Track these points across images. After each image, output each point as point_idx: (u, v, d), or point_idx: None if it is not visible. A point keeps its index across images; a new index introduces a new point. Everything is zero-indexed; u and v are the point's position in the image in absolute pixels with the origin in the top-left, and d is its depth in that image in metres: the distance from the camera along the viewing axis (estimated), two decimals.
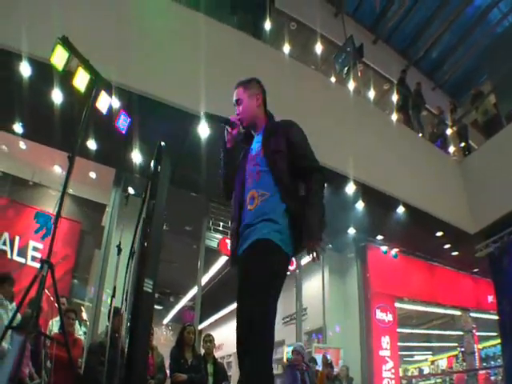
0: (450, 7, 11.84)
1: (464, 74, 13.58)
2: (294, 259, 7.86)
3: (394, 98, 10.95)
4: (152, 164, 4.22)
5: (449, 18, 12.11)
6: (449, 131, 10.80)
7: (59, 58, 4.19)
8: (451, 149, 10.44)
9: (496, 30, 12.17)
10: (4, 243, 8.06)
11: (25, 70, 5.31)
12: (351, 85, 9.19)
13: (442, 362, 11.49)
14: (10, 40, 5.19)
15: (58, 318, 6.28)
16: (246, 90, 2.53)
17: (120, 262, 5.75)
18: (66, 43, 4.10)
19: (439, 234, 8.85)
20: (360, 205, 7.75)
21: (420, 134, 10.05)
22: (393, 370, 8.90)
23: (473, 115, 10.99)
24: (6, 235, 8.06)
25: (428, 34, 12.74)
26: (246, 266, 2.15)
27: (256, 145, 2.45)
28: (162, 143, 4.11)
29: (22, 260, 8.11)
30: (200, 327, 12.47)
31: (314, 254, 2.12)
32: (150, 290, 3.74)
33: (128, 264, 5.92)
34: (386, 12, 12.18)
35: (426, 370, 11.11)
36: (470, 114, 11.13)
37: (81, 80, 4.25)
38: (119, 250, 5.88)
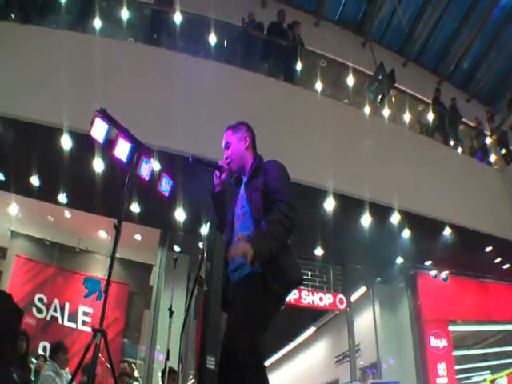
0: (476, 13, 11.71)
1: (497, 79, 13.28)
2: (343, 297, 7.49)
3: (430, 117, 10.66)
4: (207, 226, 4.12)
5: (476, 24, 11.94)
6: (488, 140, 10.43)
7: (99, 130, 4.25)
8: (492, 158, 10.03)
9: None
10: (55, 310, 8.20)
11: (66, 142, 5.48)
12: (386, 112, 9.02)
13: (502, 381, 10.83)
14: (50, 115, 5.39)
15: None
16: (234, 133, 2.56)
17: (172, 323, 5.69)
18: (105, 115, 4.13)
19: (488, 249, 8.42)
20: (406, 233, 7.55)
21: (459, 149, 9.76)
22: None
23: (511, 120, 10.56)
24: (56, 302, 8.20)
25: (457, 46, 12.60)
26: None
27: (242, 187, 2.45)
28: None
29: (73, 325, 8.20)
30: None
31: (248, 258, 1.97)
32: (213, 367, 3.56)
33: (184, 327, 5.81)
34: (412, 32, 12.14)
35: None
36: (508, 120, 10.69)
37: (121, 149, 4.25)
38: (171, 313, 5.82)
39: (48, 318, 8.03)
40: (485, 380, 10.52)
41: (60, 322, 8.12)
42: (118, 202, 3.74)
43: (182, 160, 5.61)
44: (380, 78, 9.89)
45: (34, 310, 7.95)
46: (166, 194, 5.31)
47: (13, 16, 6.32)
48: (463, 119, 11.03)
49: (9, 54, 5.67)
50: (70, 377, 5.05)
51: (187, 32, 7.31)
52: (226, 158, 2.48)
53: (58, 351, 5.22)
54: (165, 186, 5.27)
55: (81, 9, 6.70)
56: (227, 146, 2.52)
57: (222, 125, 5.83)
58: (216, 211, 2.53)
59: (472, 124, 11.29)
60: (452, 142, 9.94)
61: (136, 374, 7.98)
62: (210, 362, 3.64)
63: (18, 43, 5.80)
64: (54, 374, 4.90)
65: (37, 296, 8.03)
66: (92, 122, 4.15)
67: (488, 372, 11.13)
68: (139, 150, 4.21)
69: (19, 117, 5.44)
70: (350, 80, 8.76)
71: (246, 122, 2.65)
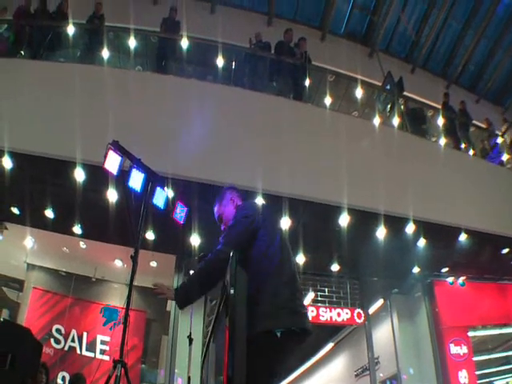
0: (480, 13, 11.81)
1: (505, 78, 13.40)
2: (361, 311, 7.46)
3: (440, 122, 10.67)
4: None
5: (480, 25, 12.04)
6: (499, 140, 10.44)
7: (112, 162, 4.30)
8: (504, 157, 9.98)
9: None
10: (73, 340, 8.30)
11: (79, 175, 5.56)
12: (396, 121, 9.04)
13: None
14: (62, 149, 5.49)
15: None
16: (221, 204, 2.69)
17: (192, 350, 5.70)
18: (117, 147, 4.20)
19: (505, 250, 8.31)
20: (421, 242, 7.52)
21: (471, 152, 9.75)
22: None
23: None
24: (73, 332, 8.31)
25: (463, 48, 12.70)
26: None
27: None
28: None
29: (91, 354, 8.28)
30: None
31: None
32: None
33: (205, 355, 5.81)
34: (418, 38, 12.23)
35: None
36: None
37: (135, 179, 4.30)
38: (190, 341, 5.83)
39: (66, 348, 8.13)
40: (507, 383, 10.38)
41: (78, 351, 8.22)
42: (133, 231, 3.80)
43: (196, 186, 5.71)
44: (388, 87, 9.95)
45: (52, 340, 8.06)
46: (181, 222, 5.35)
47: (22, 53, 6.51)
48: (474, 121, 11.05)
49: (19, 89, 5.79)
50: None
51: (195, 57, 7.46)
52: (224, 231, 2.56)
53: (76, 383, 5.28)
54: (179, 213, 5.32)
55: (88, 41, 6.87)
56: (220, 219, 2.68)
57: (235, 149, 5.99)
58: None
59: (482, 125, 11.30)
60: (463, 145, 9.94)
61: None
62: None
63: (28, 78, 5.96)
64: None
65: (54, 327, 8.15)
66: (105, 155, 4.21)
67: (510, 375, 10.96)
68: (153, 180, 4.28)
69: (31, 151, 5.54)
70: (359, 92, 8.82)
71: (227, 187, 2.80)
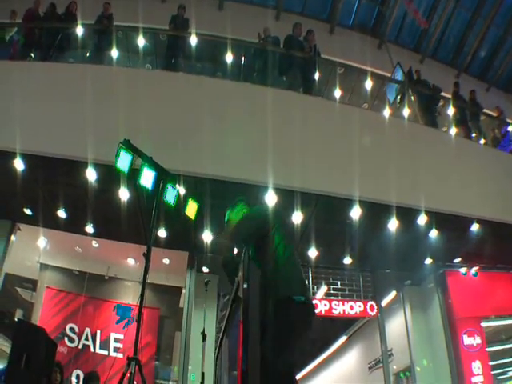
0: (488, 1, 11.75)
1: None
2: (374, 304, 7.50)
3: (450, 112, 10.62)
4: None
5: (489, 12, 12.01)
6: (510, 128, 10.32)
7: (123, 161, 4.36)
8: None
9: None
10: (86, 338, 8.42)
11: (90, 174, 5.64)
12: (406, 112, 9.02)
13: None
14: (74, 149, 5.57)
15: None
16: (233, 210, 3.08)
17: (205, 347, 5.77)
18: (129, 146, 4.25)
19: None
20: (434, 233, 7.50)
21: (482, 141, 9.73)
22: None
23: None
24: (87, 330, 8.43)
25: (473, 36, 12.66)
26: None
27: None
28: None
29: (105, 352, 8.41)
30: None
31: None
32: None
33: (219, 350, 5.89)
34: (427, 28, 12.11)
35: None
36: None
37: (146, 178, 4.36)
38: (204, 337, 5.91)
39: (80, 347, 8.25)
40: None
41: (92, 349, 8.34)
42: (145, 229, 3.86)
43: (208, 182, 5.78)
44: (398, 78, 9.92)
45: (66, 339, 8.18)
46: (193, 218, 5.42)
47: (32, 55, 6.60)
48: (484, 110, 10.99)
49: (30, 91, 5.88)
50: None
51: (204, 54, 7.51)
52: None
53: (90, 381, 5.39)
54: (191, 210, 5.38)
55: (98, 41, 6.94)
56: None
57: (247, 144, 6.02)
58: None
59: (493, 114, 11.25)
60: (474, 135, 9.93)
61: None
62: None
63: (38, 80, 6.04)
64: None
65: (68, 326, 8.28)
66: (117, 155, 4.28)
67: None
68: (164, 177, 4.34)
69: (43, 152, 5.63)
70: (369, 84, 8.81)
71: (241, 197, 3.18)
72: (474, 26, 12.42)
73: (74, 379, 7.77)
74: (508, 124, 10.55)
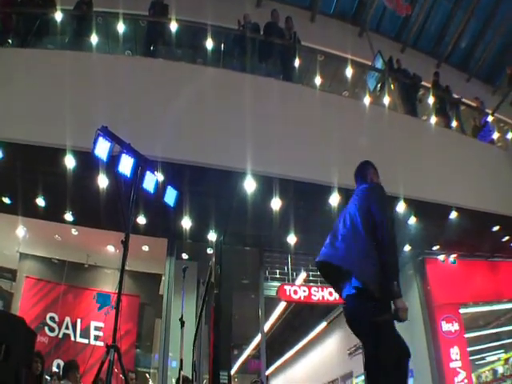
0: None
1: (496, 56, 13.62)
2: None
3: (430, 101, 10.82)
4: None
5: (471, 4, 12.29)
6: (490, 118, 10.57)
7: (102, 148, 4.42)
8: (495, 135, 10.18)
9: None
10: (67, 327, 8.52)
11: (69, 162, 5.69)
12: (386, 100, 9.18)
13: None
14: (51, 136, 5.62)
15: None
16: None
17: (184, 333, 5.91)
18: (107, 133, 4.32)
19: (495, 228, 8.56)
20: (412, 220, 7.71)
21: (461, 130, 9.95)
22: (466, 380, 8.76)
23: None
24: (67, 319, 8.54)
25: (453, 27, 12.89)
26: None
27: None
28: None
29: (85, 341, 8.53)
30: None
31: None
32: (226, 382, 3.76)
33: (196, 336, 6.05)
34: (408, 17, 12.23)
35: (500, 370, 10.58)
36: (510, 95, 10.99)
37: (125, 164, 4.42)
38: (182, 323, 6.05)
39: (60, 336, 8.36)
40: (499, 359, 10.73)
41: (72, 338, 8.46)
42: (124, 216, 3.95)
43: (186, 169, 5.88)
44: (378, 66, 10.09)
45: (47, 329, 8.28)
46: (172, 205, 5.52)
47: (10, 41, 6.57)
48: (464, 100, 11.21)
49: (7, 78, 5.87)
50: None
51: (184, 40, 7.53)
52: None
53: (69, 370, 5.46)
54: (170, 197, 5.49)
55: (77, 27, 6.92)
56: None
57: (225, 131, 6.14)
58: None
59: (473, 104, 11.50)
60: (454, 124, 10.09)
61: (150, 382, 8.41)
62: (223, 378, 3.85)
63: (16, 67, 6.04)
64: None
65: (48, 315, 8.36)
66: (95, 141, 4.35)
67: (502, 351, 11.35)
68: (142, 164, 4.41)
69: (20, 140, 5.66)
70: (349, 72, 8.93)
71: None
72: (454, 17, 12.64)
73: (55, 369, 7.81)
74: (487, 114, 10.80)
